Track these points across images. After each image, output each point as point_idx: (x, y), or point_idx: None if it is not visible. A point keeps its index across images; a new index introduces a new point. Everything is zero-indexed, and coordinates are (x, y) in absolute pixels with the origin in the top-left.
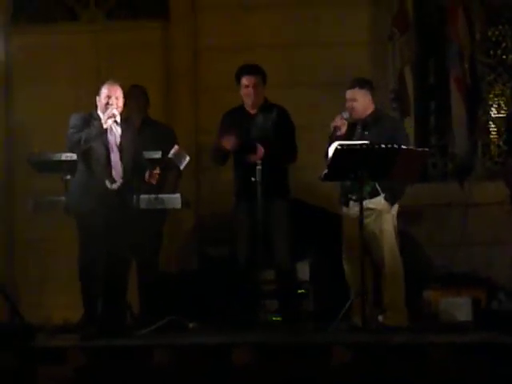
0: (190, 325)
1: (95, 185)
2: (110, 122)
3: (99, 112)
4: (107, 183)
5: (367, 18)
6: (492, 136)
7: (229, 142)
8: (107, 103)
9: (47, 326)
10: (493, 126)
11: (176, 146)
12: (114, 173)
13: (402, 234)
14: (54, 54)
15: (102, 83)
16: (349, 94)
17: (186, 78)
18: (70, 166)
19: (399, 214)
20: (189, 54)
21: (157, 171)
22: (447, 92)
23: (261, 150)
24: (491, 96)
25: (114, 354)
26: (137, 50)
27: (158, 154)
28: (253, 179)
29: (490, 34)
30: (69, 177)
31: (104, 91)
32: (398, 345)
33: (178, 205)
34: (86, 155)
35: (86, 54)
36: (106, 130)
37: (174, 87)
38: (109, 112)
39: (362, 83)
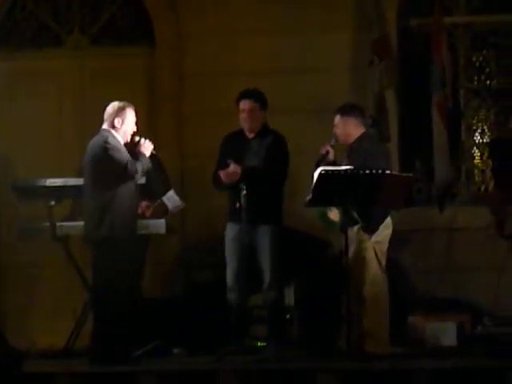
0: (175, 350)
1: (135, 209)
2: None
3: (119, 135)
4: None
5: (349, 43)
6: (476, 161)
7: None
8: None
9: (32, 351)
10: (477, 151)
11: (171, 191)
12: None
13: (387, 258)
14: (39, 80)
15: (119, 107)
16: (334, 120)
17: (171, 103)
18: (54, 191)
19: None
20: (174, 79)
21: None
22: (431, 117)
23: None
24: (475, 121)
25: (99, 380)
26: (121, 76)
27: (142, 180)
28: (237, 204)
29: (473, 59)
30: (53, 203)
31: (132, 116)
32: (382, 371)
33: (163, 230)
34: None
35: (71, 79)
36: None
37: (159, 113)
38: (148, 144)
39: (345, 110)
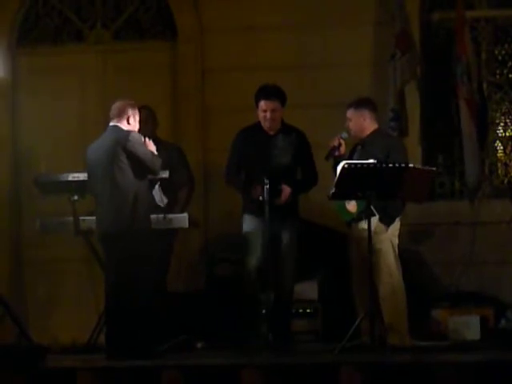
0: (199, 345)
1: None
2: None
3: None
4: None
5: (371, 37)
6: (499, 155)
7: (257, 194)
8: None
9: (55, 346)
10: (500, 144)
11: (156, 186)
12: None
13: (409, 252)
14: (61, 75)
15: (132, 105)
16: (347, 113)
17: (194, 98)
18: (77, 186)
19: (407, 233)
20: (196, 74)
21: None
22: (454, 111)
23: (287, 190)
24: (498, 115)
25: (122, 375)
26: (144, 71)
27: (165, 174)
28: (260, 198)
29: (496, 52)
30: (76, 197)
31: (138, 115)
32: (405, 364)
33: (186, 224)
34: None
35: (93, 74)
36: None
37: (182, 107)
38: (151, 143)
39: (358, 103)
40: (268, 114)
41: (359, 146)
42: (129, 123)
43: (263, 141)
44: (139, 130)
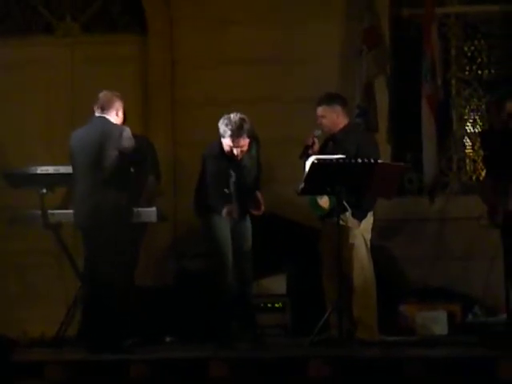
0: (167, 339)
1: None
2: None
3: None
4: None
5: (339, 32)
6: (467, 151)
7: (232, 214)
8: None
9: (23, 339)
10: (468, 141)
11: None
12: None
13: (377, 248)
14: (29, 67)
15: (119, 97)
16: (318, 110)
17: (163, 91)
18: (46, 179)
19: (375, 228)
20: (166, 67)
21: None
22: (421, 107)
23: (260, 198)
24: (467, 111)
25: (90, 369)
26: (113, 64)
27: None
28: (226, 191)
29: (465, 49)
30: (44, 190)
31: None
32: (374, 358)
33: (154, 218)
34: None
35: (62, 67)
36: None
37: (152, 101)
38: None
39: (330, 99)
40: (237, 151)
41: (331, 142)
42: (117, 116)
43: (231, 166)
44: None
